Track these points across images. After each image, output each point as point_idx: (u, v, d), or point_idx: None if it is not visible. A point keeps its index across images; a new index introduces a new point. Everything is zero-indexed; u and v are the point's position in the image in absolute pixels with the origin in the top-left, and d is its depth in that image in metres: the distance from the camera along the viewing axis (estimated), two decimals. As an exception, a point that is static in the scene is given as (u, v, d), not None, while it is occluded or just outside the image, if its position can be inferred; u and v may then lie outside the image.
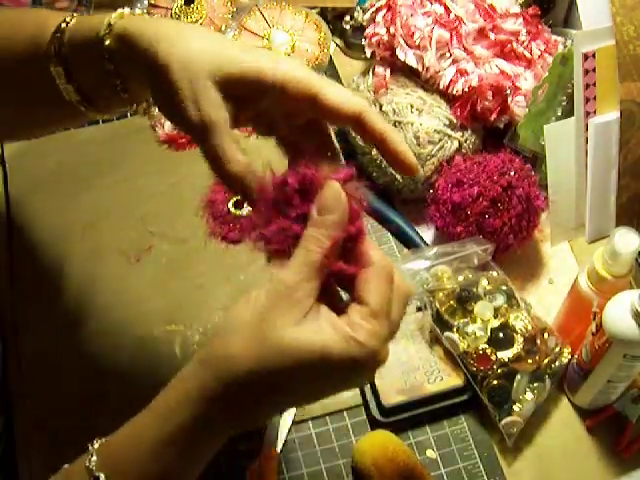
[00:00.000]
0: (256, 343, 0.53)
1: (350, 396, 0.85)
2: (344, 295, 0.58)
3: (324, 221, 0.54)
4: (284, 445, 0.82)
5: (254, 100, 0.60)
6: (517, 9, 1.00)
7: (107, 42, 0.62)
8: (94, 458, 0.58)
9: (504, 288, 0.87)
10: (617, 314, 0.74)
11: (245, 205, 0.96)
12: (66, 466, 0.62)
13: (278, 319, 0.53)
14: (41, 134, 0.83)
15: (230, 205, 0.97)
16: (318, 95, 0.59)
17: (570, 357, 0.85)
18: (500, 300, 0.86)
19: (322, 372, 0.53)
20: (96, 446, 0.59)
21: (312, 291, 0.54)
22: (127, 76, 0.64)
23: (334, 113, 0.59)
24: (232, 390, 0.54)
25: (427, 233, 0.98)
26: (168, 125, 1.04)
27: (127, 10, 0.64)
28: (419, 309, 0.90)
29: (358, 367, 0.54)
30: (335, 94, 0.59)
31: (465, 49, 0.96)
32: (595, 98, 0.92)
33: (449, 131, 0.95)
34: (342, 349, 0.53)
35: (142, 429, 0.57)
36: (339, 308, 0.55)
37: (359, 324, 0.53)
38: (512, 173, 0.89)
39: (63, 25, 0.66)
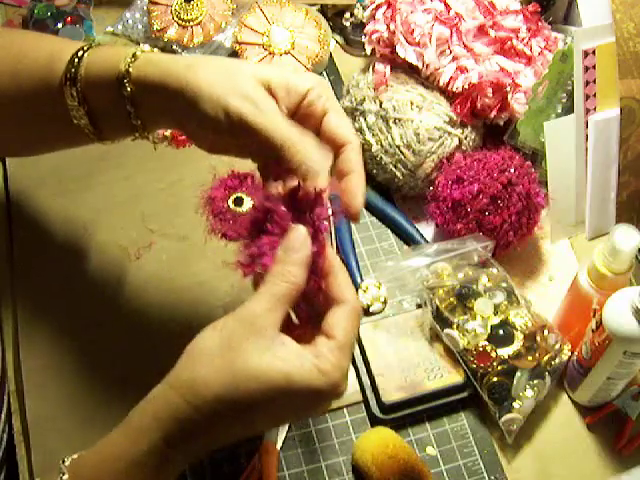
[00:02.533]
0: (224, 368, 0.56)
1: (350, 393, 0.85)
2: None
3: (288, 259, 0.58)
4: (284, 442, 0.82)
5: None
6: (517, 6, 1.00)
7: (128, 89, 0.65)
8: (65, 476, 0.60)
9: (504, 285, 0.87)
10: (617, 311, 0.74)
11: (245, 202, 0.96)
12: None
13: (245, 346, 0.56)
14: (43, 153, 0.85)
15: (230, 202, 0.97)
16: (329, 111, 0.64)
17: (570, 354, 0.85)
18: (500, 297, 0.86)
19: (286, 398, 0.56)
20: (67, 463, 0.61)
21: (276, 320, 0.57)
22: (145, 107, 0.67)
23: (332, 131, 0.64)
24: (200, 413, 0.56)
25: (427, 230, 0.98)
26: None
27: (139, 49, 0.67)
28: (419, 306, 0.90)
29: (319, 395, 0.57)
30: (341, 118, 0.64)
31: (465, 46, 0.96)
32: (595, 95, 0.92)
33: (449, 128, 0.95)
34: (306, 378, 0.56)
35: (113, 448, 0.59)
36: (292, 333, 0.59)
37: (325, 356, 0.57)
38: (512, 170, 0.89)
39: (77, 58, 0.68)
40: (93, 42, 0.87)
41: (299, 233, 0.59)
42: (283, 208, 0.61)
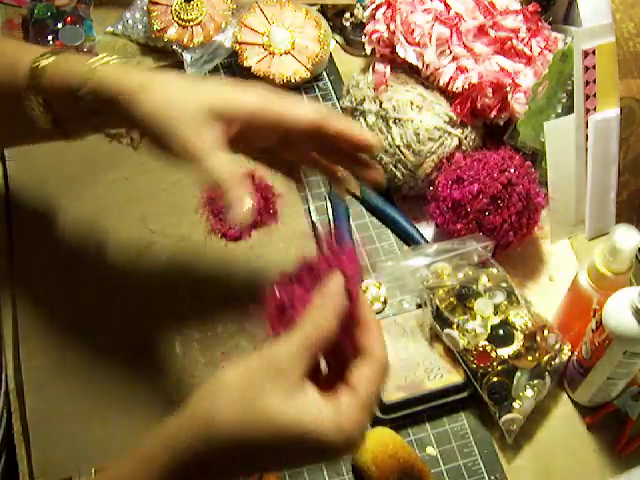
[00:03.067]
0: (242, 410, 0.54)
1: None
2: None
3: (323, 307, 0.57)
4: (284, 442, 0.82)
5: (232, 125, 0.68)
6: (517, 6, 1.00)
7: (86, 100, 0.69)
8: None
9: (504, 285, 0.87)
10: (617, 311, 0.74)
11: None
12: None
13: (266, 390, 0.54)
14: (7, 147, 0.92)
15: (230, 202, 0.96)
16: (283, 113, 0.68)
17: (570, 354, 0.85)
18: (500, 297, 0.86)
19: (298, 447, 0.55)
20: None
21: (302, 367, 0.55)
22: (105, 116, 0.71)
23: (295, 125, 0.68)
24: (212, 452, 0.55)
25: (427, 230, 0.98)
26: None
27: (98, 61, 0.70)
28: (419, 306, 0.90)
29: (333, 450, 0.55)
30: (295, 109, 0.68)
31: (465, 46, 0.96)
32: (595, 95, 0.92)
33: (449, 128, 0.95)
34: (322, 431, 0.54)
35: (122, 474, 0.59)
36: (317, 380, 0.57)
37: (346, 412, 0.55)
38: (512, 170, 0.89)
39: (38, 64, 0.71)
40: (93, 41, 0.88)
41: (337, 281, 0.58)
42: (325, 263, 0.59)
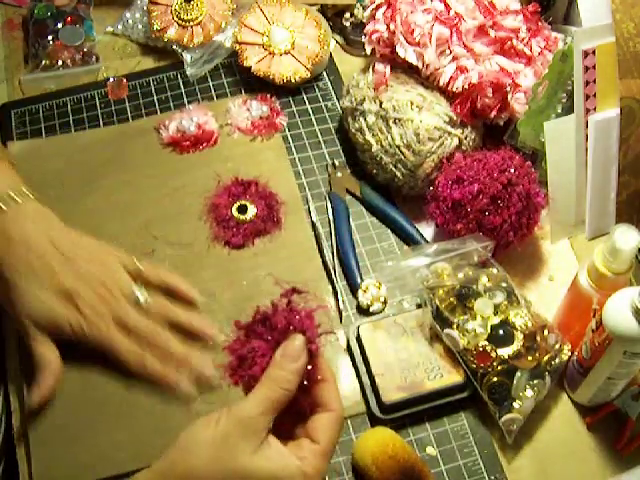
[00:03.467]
0: (216, 464, 0.60)
1: (350, 393, 0.85)
2: None
3: (286, 366, 0.62)
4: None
5: None
6: (517, 6, 1.00)
7: None
8: None
9: (504, 285, 0.87)
10: (617, 311, 0.74)
11: (249, 210, 0.96)
12: None
13: (239, 445, 0.60)
14: None
15: (234, 209, 0.96)
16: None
17: (570, 354, 0.85)
18: (500, 297, 0.86)
19: None
20: None
21: (268, 423, 0.61)
22: None
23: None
24: None
25: (427, 230, 0.98)
26: (172, 128, 1.03)
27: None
28: (419, 306, 0.90)
29: None
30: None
31: (465, 46, 0.96)
32: (595, 95, 0.92)
33: (449, 128, 0.95)
34: (291, 477, 0.61)
35: None
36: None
37: (308, 460, 0.62)
38: (512, 170, 0.89)
39: None
40: (93, 41, 0.88)
41: (299, 342, 0.62)
42: (284, 319, 0.63)
